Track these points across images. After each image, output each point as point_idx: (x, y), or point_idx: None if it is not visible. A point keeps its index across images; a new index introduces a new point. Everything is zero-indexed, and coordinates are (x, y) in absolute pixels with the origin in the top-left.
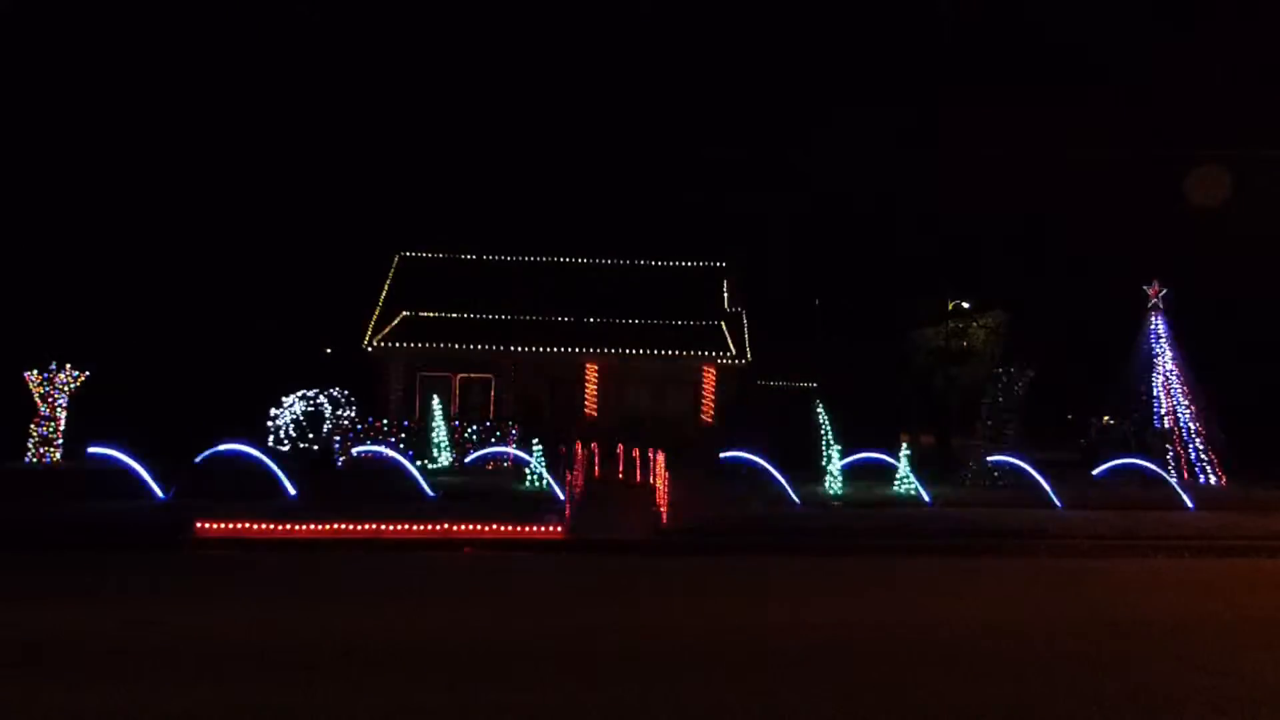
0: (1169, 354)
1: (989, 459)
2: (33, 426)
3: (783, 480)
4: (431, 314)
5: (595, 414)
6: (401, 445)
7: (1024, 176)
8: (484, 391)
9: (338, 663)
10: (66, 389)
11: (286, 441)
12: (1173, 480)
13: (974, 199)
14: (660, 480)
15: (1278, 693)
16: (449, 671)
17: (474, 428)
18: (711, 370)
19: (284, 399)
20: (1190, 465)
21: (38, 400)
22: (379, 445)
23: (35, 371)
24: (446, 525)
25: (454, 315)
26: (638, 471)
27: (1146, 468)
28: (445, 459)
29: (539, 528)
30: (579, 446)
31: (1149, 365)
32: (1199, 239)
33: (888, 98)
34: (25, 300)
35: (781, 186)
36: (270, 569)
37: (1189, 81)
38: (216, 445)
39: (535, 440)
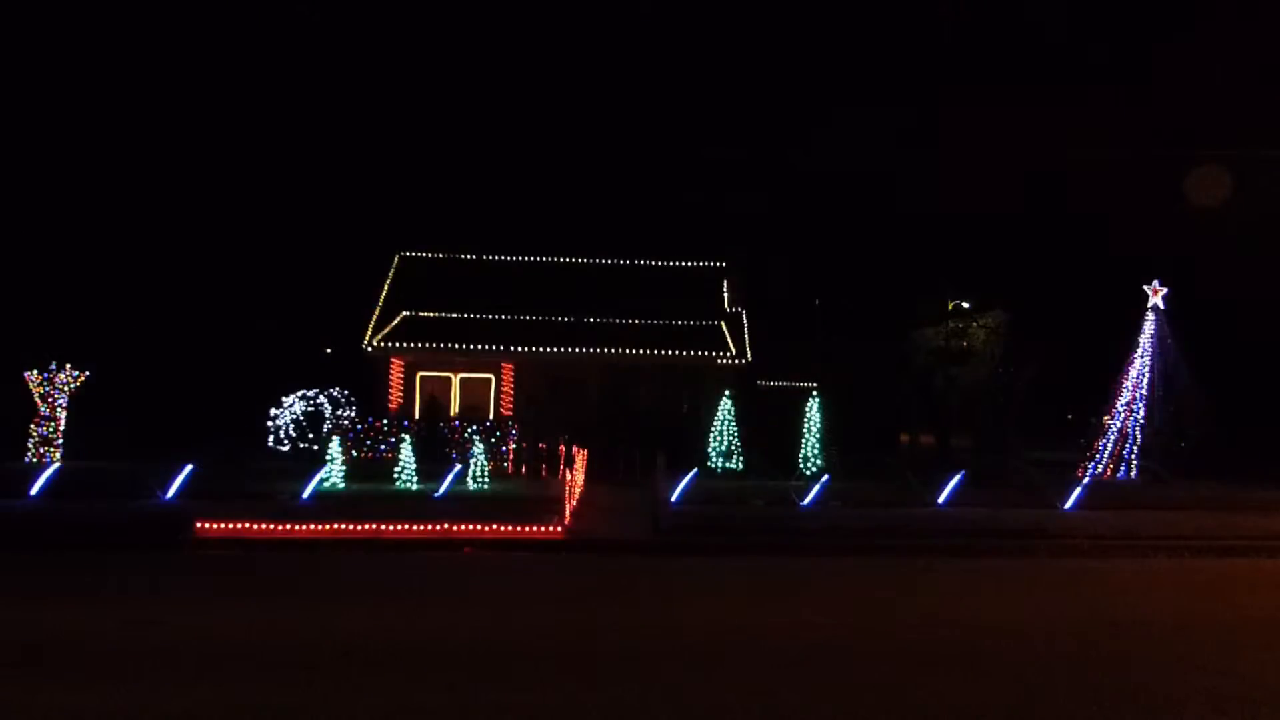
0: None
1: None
2: (33, 426)
3: (782, 480)
4: (431, 314)
5: (595, 414)
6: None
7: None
8: (484, 391)
9: (338, 663)
10: (66, 389)
11: (286, 441)
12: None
13: (974, 199)
14: (660, 480)
15: (1278, 693)
16: (449, 671)
17: (474, 427)
18: (711, 370)
19: (284, 399)
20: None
21: (38, 400)
22: (380, 446)
23: (35, 371)
24: (446, 525)
25: (454, 315)
26: (638, 471)
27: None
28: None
29: (539, 528)
30: (578, 447)
31: (1148, 365)
32: (1199, 239)
33: (888, 97)
34: (25, 300)
35: (781, 186)
36: (270, 569)
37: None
38: (216, 445)
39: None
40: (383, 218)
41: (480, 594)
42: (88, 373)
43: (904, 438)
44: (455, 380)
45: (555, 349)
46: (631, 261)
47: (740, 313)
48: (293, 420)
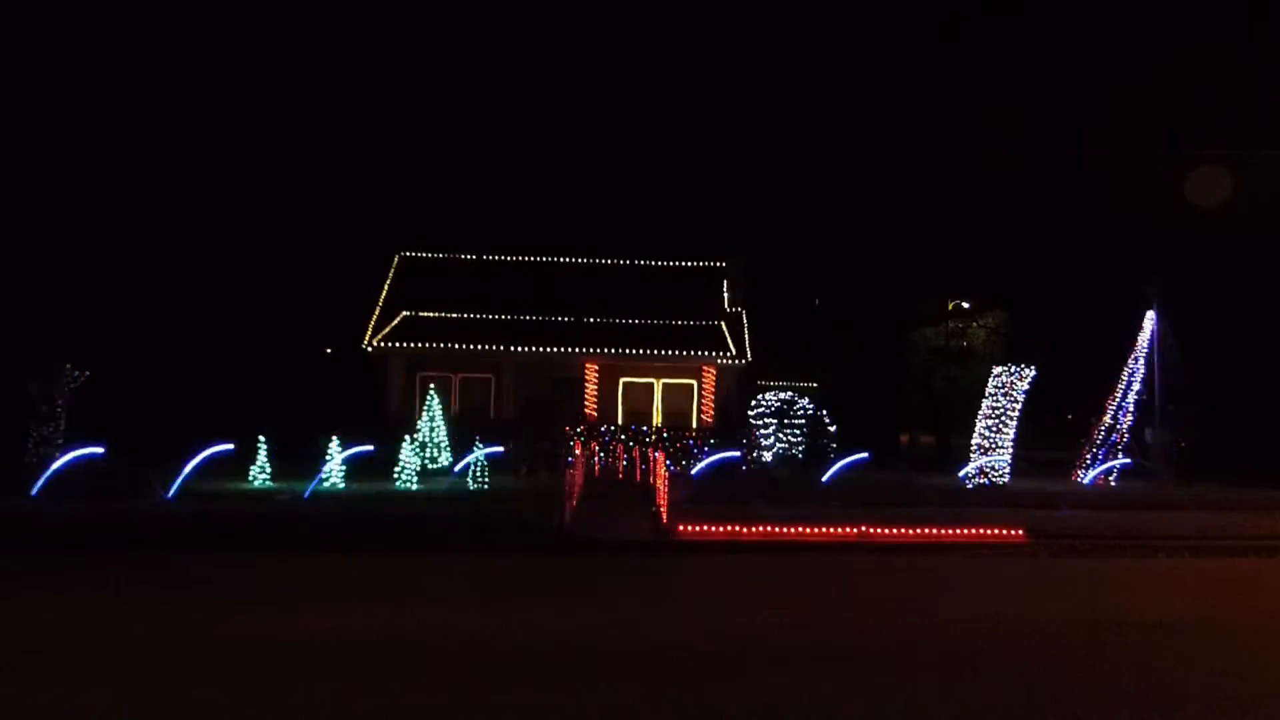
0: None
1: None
2: (32, 426)
3: (782, 479)
4: (431, 314)
5: (595, 414)
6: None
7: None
8: (484, 391)
9: (338, 663)
10: (66, 389)
11: None
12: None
13: (974, 198)
14: (660, 480)
15: (1278, 693)
16: (448, 671)
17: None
18: (711, 370)
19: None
20: (1189, 465)
21: (38, 400)
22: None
23: (35, 371)
24: (447, 525)
25: (454, 315)
26: (638, 471)
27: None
28: (445, 459)
29: (539, 528)
30: (579, 446)
31: (1149, 366)
32: (1199, 239)
33: (888, 97)
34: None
35: (782, 186)
36: (270, 569)
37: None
38: (216, 445)
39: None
40: (383, 218)
41: (480, 594)
42: (88, 373)
43: (904, 438)
44: (455, 380)
45: (555, 349)
46: (631, 261)
47: (740, 313)
48: None
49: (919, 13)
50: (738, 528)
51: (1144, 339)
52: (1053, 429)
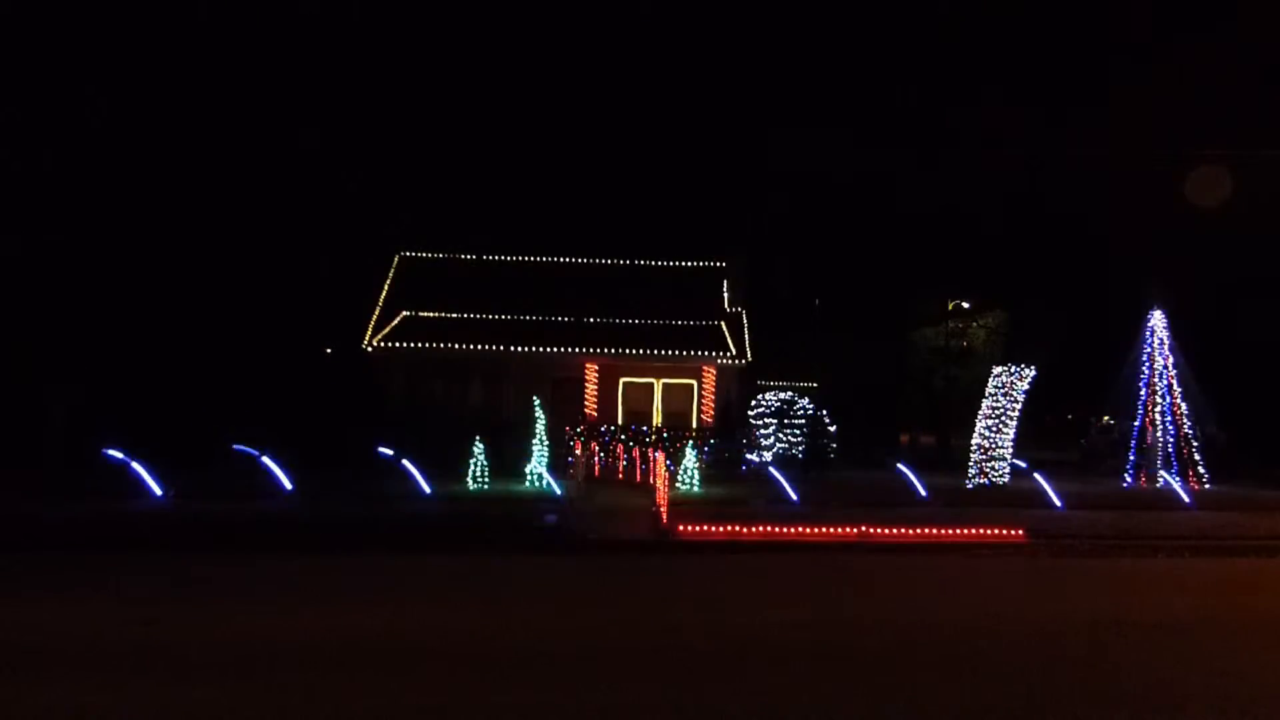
0: (1162, 355)
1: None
2: (37, 427)
3: (782, 479)
4: (431, 314)
5: (595, 414)
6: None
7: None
8: (484, 391)
9: (338, 663)
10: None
11: None
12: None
13: (975, 198)
14: (660, 480)
15: (1278, 693)
16: (449, 671)
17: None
18: (711, 370)
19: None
20: (1190, 466)
21: (40, 400)
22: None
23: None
24: (447, 525)
25: (454, 315)
26: (638, 471)
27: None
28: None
29: (540, 528)
30: (579, 446)
31: (1149, 366)
32: (1199, 239)
33: (888, 97)
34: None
35: (782, 186)
36: (269, 569)
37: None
38: (215, 444)
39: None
40: (383, 218)
41: (480, 594)
42: (86, 373)
43: (904, 438)
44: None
45: (555, 349)
46: (631, 261)
47: (740, 313)
48: None
49: (919, 13)
50: (738, 528)
51: (1152, 339)
52: (1053, 429)
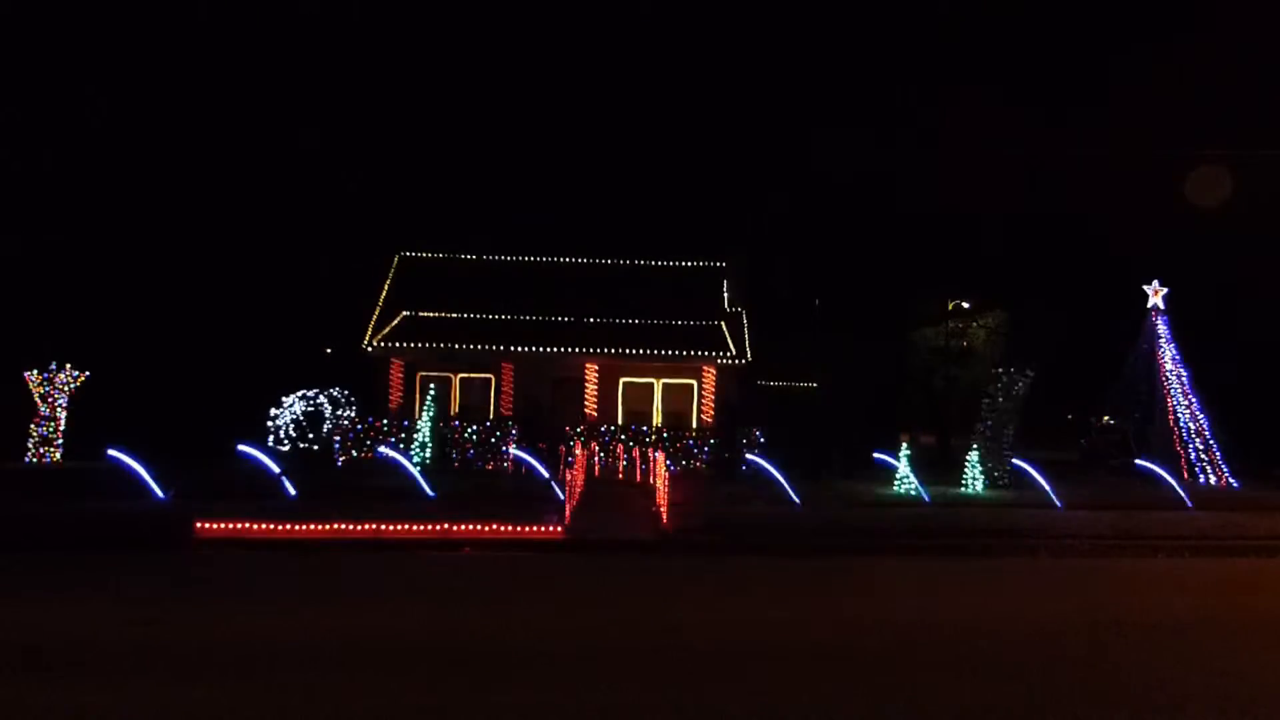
0: (1169, 354)
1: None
2: (33, 426)
3: (782, 480)
4: (431, 314)
5: (595, 414)
6: (401, 445)
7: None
8: (484, 391)
9: (338, 663)
10: (66, 389)
11: (286, 441)
12: (1173, 480)
13: (975, 199)
14: (660, 480)
15: (1278, 693)
16: (449, 671)
17: (474, 427)
18: (711, 370)
19: (284, 399)
20: (1190, 465)
21: (38, 400)
22: (379, 445)
23: (35, 372)
24: (446, 525)
25: (454, 315)
26: (638, 471)
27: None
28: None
29: (539, 528)
30: (579, 446)
31: (1149, 365)
32: (1199, 239)
33: (888, 96)
34: (25, 300)
35: (782, 186)
36: (270, 569)
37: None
38: (215, 445)
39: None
40: (383, 218)
41: (480, 594)
42: (87, 373)
43: (904, 438)
44: (455, 380)
45: (555, 349)
46: (631, 261)
47: (740, 313)
48: (293, 420)
49: (919, 13)
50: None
51: (1144, 339)
52: (1053, 429)
